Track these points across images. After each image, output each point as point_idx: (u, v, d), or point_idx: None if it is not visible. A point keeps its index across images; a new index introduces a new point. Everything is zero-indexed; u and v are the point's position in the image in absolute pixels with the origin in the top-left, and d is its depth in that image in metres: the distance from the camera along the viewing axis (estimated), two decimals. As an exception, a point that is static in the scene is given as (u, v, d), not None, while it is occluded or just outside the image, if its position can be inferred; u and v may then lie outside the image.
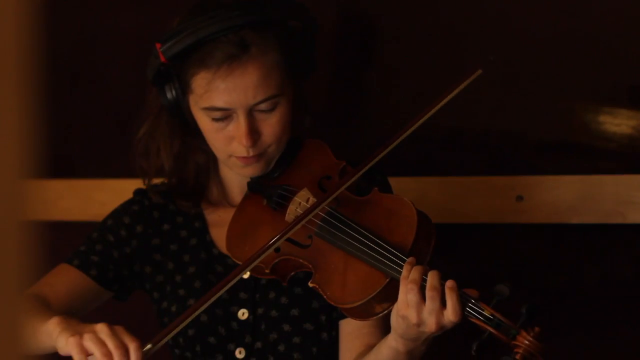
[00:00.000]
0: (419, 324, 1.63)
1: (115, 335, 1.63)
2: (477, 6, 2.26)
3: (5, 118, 0.76)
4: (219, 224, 1.95)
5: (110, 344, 1.61)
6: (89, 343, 1.62)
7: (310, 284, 1.77)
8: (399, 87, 2.33)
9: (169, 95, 1.86)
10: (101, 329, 1.63)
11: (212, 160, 1.95)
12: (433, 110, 1.80)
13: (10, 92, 0.76)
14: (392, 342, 1.71)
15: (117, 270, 1.93)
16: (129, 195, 2.00)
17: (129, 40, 2.53)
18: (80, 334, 1.63)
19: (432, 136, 2.30)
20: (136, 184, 2.00)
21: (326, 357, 1.89)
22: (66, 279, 1.91)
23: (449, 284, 1.64)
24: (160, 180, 1.99)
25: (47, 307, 1.83)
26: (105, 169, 2.55)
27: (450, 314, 1.62)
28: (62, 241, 2.54)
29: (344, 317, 1.86)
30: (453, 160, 2.29)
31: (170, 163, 1.93)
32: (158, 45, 1.81)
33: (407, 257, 1.69)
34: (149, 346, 1.65)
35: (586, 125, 2.21)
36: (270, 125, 1.83)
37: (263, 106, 1.81)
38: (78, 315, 1.85)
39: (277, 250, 1.81)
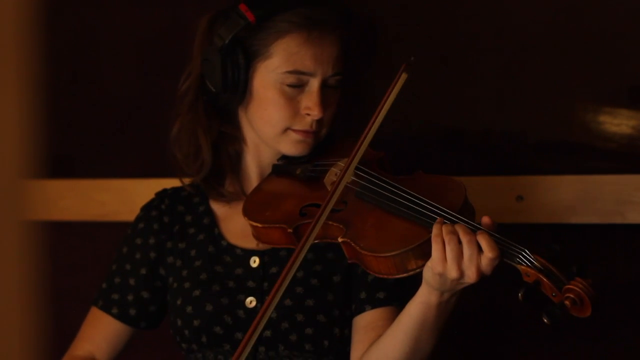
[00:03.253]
0: (460, 276, 1.62)
1: None
2: (477, 6, 2.26)
3: (5, 118, 0.76)
4: (228, 216, 1.96)
5: None
6: None
7: (340, 239, 1.73)
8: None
9: (229, 69, 1.85)
10: None
11: (240, 150, 1.96)
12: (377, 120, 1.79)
13: (10, 92, 0.77)
14: (424, 297, 1.70)
15: (137, 301, 1.97)
16: (129, 195, 2.00)
17: (129, 40, 2.53)
18: None
19: (432, 136, 2.30)
20: (136, 183, 2.00)
21: (337, 353, 1.88)
22: (102, 328, 1.97)
23: (479, 233, 1.64)
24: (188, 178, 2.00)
25: None
26: (105, 169, 2.55)
27: (487, 252, 1.61)
28: (62, 241, 2.55)
29: (358, 312, 1.86)
30: (453, 160, 2.29)
31: (208, 153, 1.93)
32: (243, 7, 1.83)
33: (456, 214, 1.67)
34: None
35: (586, 125, 2.21)
36: (331, 105, 1.88)
37: (334, 80, 1.87)
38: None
39: (302, 214, 1.80)
